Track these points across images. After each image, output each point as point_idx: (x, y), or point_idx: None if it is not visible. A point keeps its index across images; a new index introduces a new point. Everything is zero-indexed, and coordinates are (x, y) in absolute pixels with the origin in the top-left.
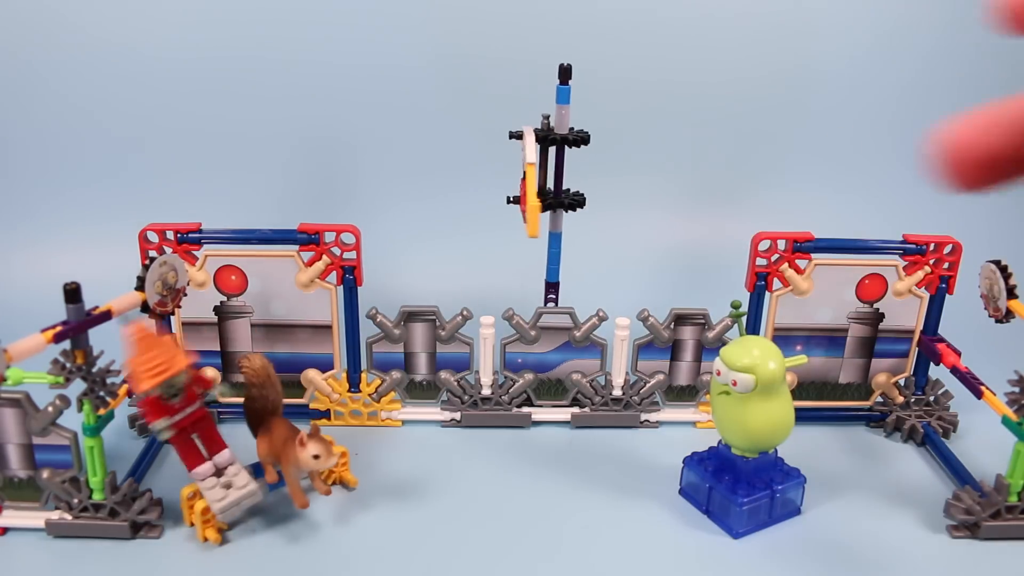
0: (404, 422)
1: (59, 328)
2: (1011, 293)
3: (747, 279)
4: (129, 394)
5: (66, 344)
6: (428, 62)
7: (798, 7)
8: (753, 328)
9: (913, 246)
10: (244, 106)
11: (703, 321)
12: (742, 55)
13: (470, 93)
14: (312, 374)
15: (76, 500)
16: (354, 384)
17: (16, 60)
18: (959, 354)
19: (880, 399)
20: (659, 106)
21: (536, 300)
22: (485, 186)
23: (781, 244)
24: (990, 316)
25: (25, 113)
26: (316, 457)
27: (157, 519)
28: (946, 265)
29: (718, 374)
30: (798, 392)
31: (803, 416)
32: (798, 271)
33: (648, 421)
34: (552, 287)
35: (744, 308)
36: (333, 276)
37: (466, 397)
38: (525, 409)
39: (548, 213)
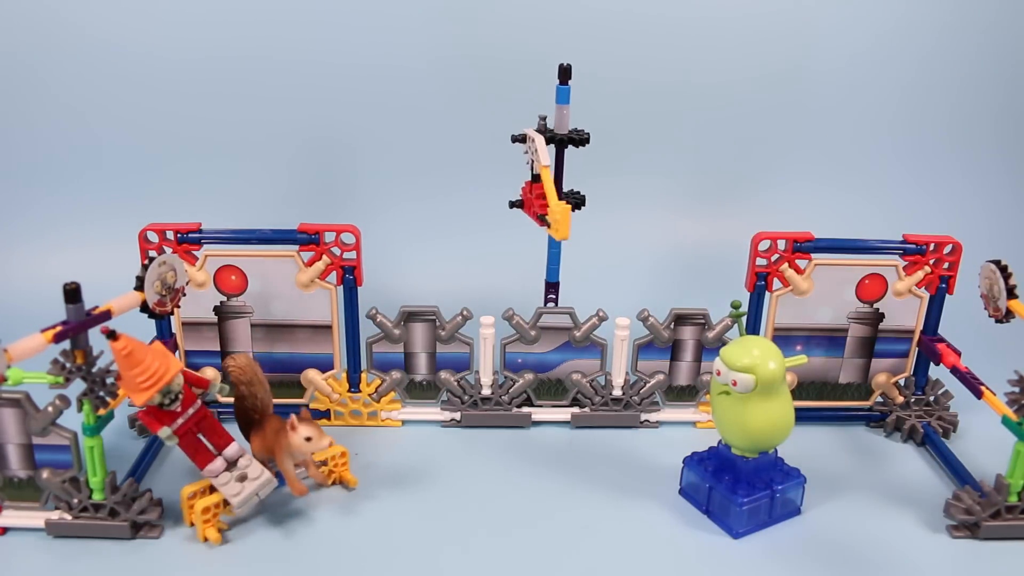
0: (404, 422)
1: (59, 328)
2: (1011, 293)
3: (747, 279)
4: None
5: (66, 344)
6: (428, 62)
7: (798, 7)
8: (753, 328)
9: (913, 246)
10: (244, 106)
11: (703, 321)
12: (742, 55)
13: (470, 93)
14: (312, 374)
15: (76, 500)
16: (354, 384)
17: (16, 60)
18: (959, 354)
19: (880, 399)
20: (659, 106)
21: (536, 300)
22: (485, 186)
23: (781, 244)
24: (990, 316)
25: (25, 113)
26: (308, 439)
27: (157, 519)
28: (946, 265)
29: (718, 374)
30: (798, 392)
31: (803, 416)
32: (798, 271)
33: (648, 421)
34: (552, 287)
35: (744, 308)
36: (333, 276)
37: (466, 397)
38: (525, 409)
39: None
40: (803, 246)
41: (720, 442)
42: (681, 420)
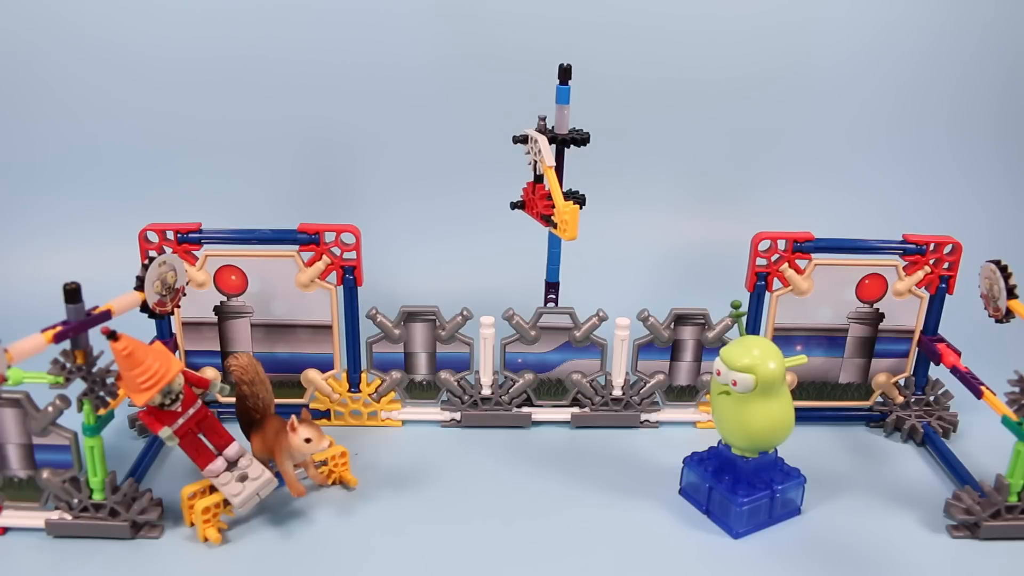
0: (404, 422)
1: (59, 328)
2: (1011, 293)
3: (747, 279)
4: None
5: (66, 344)
6: (428, 62)
7: (797, 6)
8: (753, 328)
9: (913, 246)
10: (244, 106)
11: (703, 321)
12: (742, 54)
13: (470, 93)
14: (312, 374)
15: (76, 500)
16: (354, 384)
17: (16, 60)
18: (959, 354)
19: (880, 399)
20: (659, 106)
21: (536, 300)
22: (485, 186)
23: (781, 244)
24: (990, 316)
25: (24, 113)
26: (308, 440)
27: (157, 519)
28: (946, 265)
29: (718, 374)
30: (798, 392)
31: (803, 416)
32: (798, 271)
33: (648, 421)
34: (552, 287)
35: (744, 308)
36: (333, 276)
37: (466, 397)
38: (525, 409)
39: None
40: (803, 246)
41: (720, 442)
42: (681, 420)
